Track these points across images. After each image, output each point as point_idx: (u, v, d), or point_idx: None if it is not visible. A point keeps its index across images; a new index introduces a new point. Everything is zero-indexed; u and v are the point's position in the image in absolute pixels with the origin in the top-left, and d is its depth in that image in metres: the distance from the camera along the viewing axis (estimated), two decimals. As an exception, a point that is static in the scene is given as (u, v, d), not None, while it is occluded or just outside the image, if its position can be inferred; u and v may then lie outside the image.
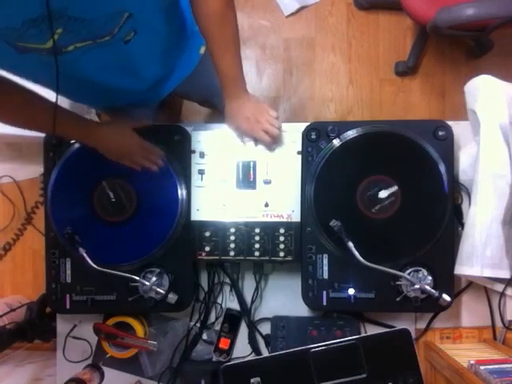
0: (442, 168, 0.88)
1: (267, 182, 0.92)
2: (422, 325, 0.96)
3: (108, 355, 0.95)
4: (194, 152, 0.93)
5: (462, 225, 0.92)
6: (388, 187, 0.88)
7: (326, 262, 0.89)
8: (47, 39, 0.59)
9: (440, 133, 0.89)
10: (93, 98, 0.93)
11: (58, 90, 0.64)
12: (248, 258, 0.91)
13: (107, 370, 0.97)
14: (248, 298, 0.97)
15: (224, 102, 0.90)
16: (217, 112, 1.62)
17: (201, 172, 0.93)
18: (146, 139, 0.90)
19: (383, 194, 0.88)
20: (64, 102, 0.91)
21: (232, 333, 0.97)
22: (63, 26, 0.58)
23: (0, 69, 0.66)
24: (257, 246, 0.90)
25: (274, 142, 0.91)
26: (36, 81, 0.74)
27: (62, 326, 0.99)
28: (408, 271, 0.87)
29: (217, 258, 0.91)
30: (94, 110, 1.35)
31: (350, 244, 0.85)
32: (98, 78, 0.77)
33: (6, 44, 0.58)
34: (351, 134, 0.91)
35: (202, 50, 0.97)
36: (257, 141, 0.92)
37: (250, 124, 0.89)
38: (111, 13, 0.61)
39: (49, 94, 0.73)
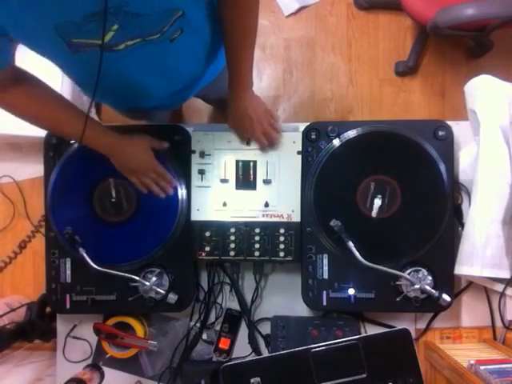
0: (442, 168, 0.89)
1: (267, 182, 0.92)
2: (422, 325, 0.96)
3: (108, 355, 0.95)
4: (194, 152, 0.93)
5: (462, 225, 0.92)
6: (385, 192, 0.89)
7: (326, 262, 0.89)
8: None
9: (440, 133, 0.89)
10: (121, 98, 0.92)
11: (94, 95, 0.66)
12: (248, 258, 0.91)
13: (107, 370, 0.97)
14: (248, 297, 0.97)
15: (229, 100, 0.89)
16: (219, 110, 1.61)
17: (201, 172, 0.93)
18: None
19: (377, 202, 0.88)
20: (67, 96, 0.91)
21: (232, 333, 0.97)
22: (119, 22, 0.59)
23: (53, 62, 0.68)
24: (257, 245, 0.90)
25: (270, 146, 0.91)
26: (75, 79, 0.76)
27: (62, 326, 0.99)
28: (408, 271, 0.87)
29: (217, 258, 0.91)
30: (95, 110, 1.34)
31: (350, 244, 0.85)
32: (138, 78, 0.77)
33: (61, 40, 0.59)
34: (351, 133, 0.91)
35: None
36: (251, 141, 0.92)
37: (252, 124, 0.88)
38: (166, 9, 0.62)
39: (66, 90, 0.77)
